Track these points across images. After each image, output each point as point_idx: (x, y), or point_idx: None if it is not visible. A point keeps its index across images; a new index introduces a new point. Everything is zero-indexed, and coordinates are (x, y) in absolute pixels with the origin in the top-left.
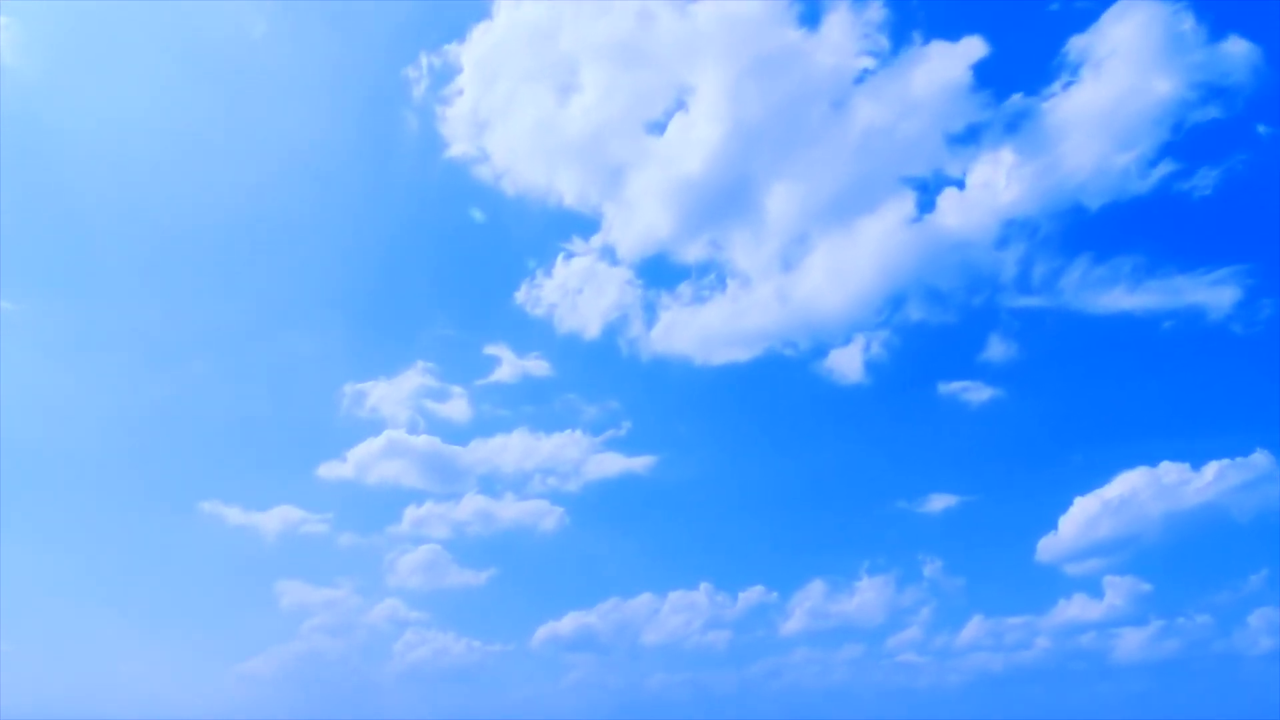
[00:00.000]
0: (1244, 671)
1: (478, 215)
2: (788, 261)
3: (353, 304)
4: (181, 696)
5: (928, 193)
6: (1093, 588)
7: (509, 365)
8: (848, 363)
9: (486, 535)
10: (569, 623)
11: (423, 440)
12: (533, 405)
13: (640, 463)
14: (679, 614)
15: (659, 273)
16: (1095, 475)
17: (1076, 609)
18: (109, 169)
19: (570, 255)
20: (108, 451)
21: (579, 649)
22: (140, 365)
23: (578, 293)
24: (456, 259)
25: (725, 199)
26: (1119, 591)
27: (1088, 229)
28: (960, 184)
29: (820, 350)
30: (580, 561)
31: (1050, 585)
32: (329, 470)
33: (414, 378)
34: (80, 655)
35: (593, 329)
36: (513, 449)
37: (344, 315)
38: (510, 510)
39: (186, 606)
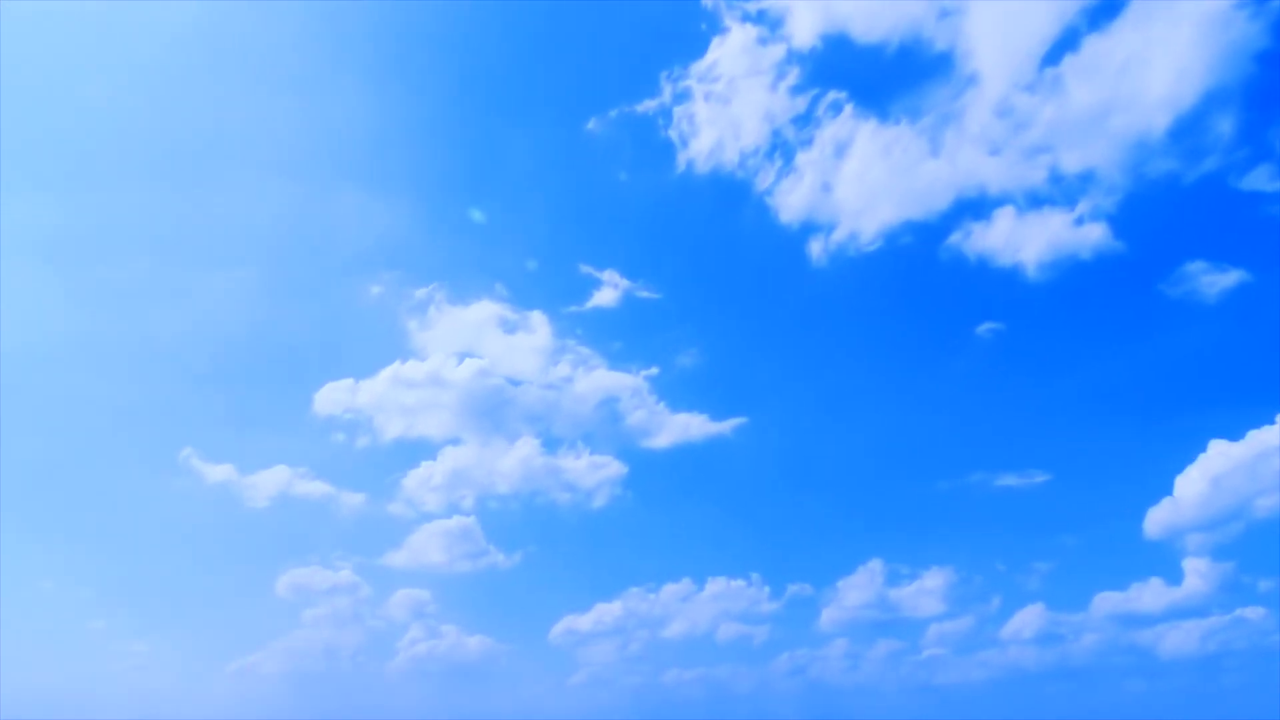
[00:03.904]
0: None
1: None
2: (1047, 54)
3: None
4: (168, 699)
5: None
6: (1177, 572)
7: (609, 290)
8: (1073, 225)
9: (523, 505)
10: (592, 616)
11: (468, 371)
12: (621, 340)
13: (726, 426)
14: (713, 604)
15: (840, 67)
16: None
17: (1149, 597)
18: None
19: (728, 30)
20: (80, 391)
21: (595, 643)
22: (117, 270)
23: (719, 94)
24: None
25: None
26: (1202, 577)
27: None
28: None
29: (1045, 199)
30: (625, 541)
31: (1141, 566)
32: (342, 406)
33: (485, 305)
34: (50, 642)
35: (728, 155)
36: (583, 395)
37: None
38: (564, 466)
39: (174, 593)
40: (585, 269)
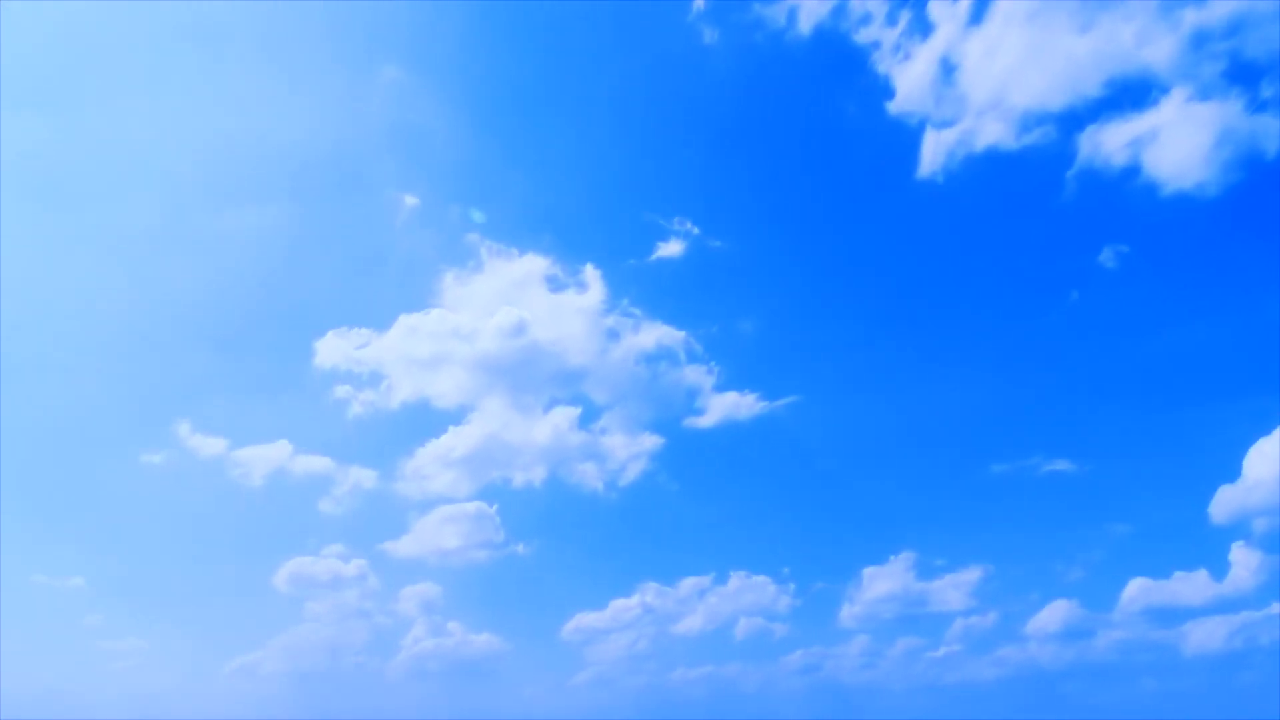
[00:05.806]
0: None
1: None
2: None
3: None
4: (166, 699)
5: None
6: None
7: (676, 243)
8: (1245, 117)
9: (546, 486)
10: (608, 614)
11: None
12: (680, 301)
13: (778, 404)
14: (733, 600)
15: None
16: None
17: (1189, 591)
18: None
19: None
20: (69, 356)
21: (604, 639)
22: (110, 205)
23: None
24: None
25: None
26: (1250, 570)
27: None
28: None
29: (1217, 89)
30: (651, 530)
31: (1193, 557)
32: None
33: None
34: (44, 639)
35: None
36: (627, 364)
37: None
38: (597, 442)
39: (171, 586)
40: (650, 216)
